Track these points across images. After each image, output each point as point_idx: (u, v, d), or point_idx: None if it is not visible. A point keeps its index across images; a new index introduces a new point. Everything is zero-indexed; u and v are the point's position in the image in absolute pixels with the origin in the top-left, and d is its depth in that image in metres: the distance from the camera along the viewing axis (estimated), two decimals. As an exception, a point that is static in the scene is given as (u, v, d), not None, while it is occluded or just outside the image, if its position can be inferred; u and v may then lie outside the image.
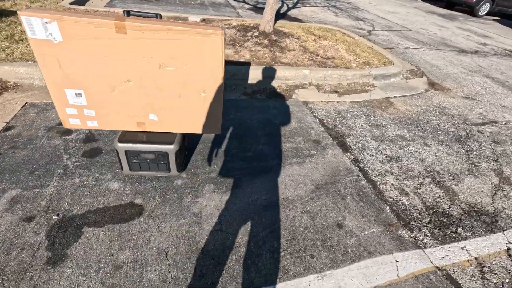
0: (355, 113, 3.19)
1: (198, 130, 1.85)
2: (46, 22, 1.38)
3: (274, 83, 3.53)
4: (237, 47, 4.00)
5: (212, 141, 2.39)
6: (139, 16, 1.59)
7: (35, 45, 1.46)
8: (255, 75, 3.49)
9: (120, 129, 1.80)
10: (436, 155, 2.65)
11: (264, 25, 4.56)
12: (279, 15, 6.86)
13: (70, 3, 4.97)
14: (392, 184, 2.23)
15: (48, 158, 1.99)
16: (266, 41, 4.28)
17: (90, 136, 2.25)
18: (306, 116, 2.96)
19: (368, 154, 2.54)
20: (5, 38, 3.32)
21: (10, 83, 2.76)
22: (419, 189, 2.22)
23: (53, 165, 1.94)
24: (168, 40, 1.51)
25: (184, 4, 6.78)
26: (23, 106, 2.50)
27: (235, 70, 3.44)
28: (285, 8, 7.75)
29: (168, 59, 1.57)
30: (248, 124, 2.69)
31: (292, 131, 2.68)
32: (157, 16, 1.61)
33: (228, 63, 3.57)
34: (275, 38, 4.43)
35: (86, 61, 1.54)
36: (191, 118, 1.81)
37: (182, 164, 2.00)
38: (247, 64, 3.60)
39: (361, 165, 2.38)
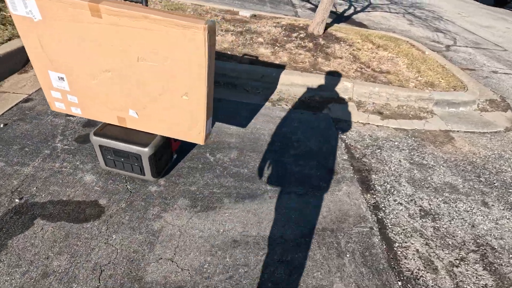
0: (396, 143, 2.59)
1: (179, 136, 1.61)
2: (20, -3, 1.28)
3: (306, 93, 3.10)
4: (276, 47, 3.66)
5: (207, 147, 2.14)
6: None
7: (17, 22, 1.38)
8: (286, 80, 3.12)
9: (102, 120, 1.67)
10: (497, 223, 1.94)
11: (314, 27, 4.10)
12: (341, 18, 6.24)
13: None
14: (417, 250, 1.67)
15: (43, 136, 1.99)
16: (311, 45, 3.84)
17: (91, 121, 2.21)
18: (332, 137, 2.49)
19: (395, 201, 1.98)
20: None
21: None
22: (457, 267, 1.62)
23: (44, 144, 1.93)
24: (145, 30, 1.28)
25: (244, -2, 6.65)
26: (51, 81, 2.62)
27: (265, 72, 3.12)
28: (351, 10, 7.05)
29: (147, 52, 1.35)
30: (257, 134, 2.37)
31: (307, 153, 2.26)
32: (143, 1, 1.40)
33: (260, 63, 3.27)
34: (322, 42, 3.95)
35: (65, 44, 1.41)
36: (172, 121, 1.57)
37: (161, 170, 1.80)
38: (280, 67, 3.25)
39: (381, 214, 1.85)
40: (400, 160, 2.38)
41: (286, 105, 2.87)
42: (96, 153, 1.71)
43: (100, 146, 1.64)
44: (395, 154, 2.45)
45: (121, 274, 1.32)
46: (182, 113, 1.52)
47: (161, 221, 1.58)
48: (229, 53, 3.38)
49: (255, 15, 4.89)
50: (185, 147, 2.09)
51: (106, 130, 1.66)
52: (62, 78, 1.56)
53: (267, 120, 2.58)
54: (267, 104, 2.84)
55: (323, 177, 2.06)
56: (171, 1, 4.79)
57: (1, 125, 2.02)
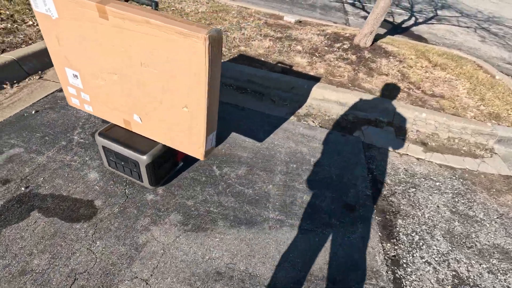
0: (437, 184, 2.18)
1: (180, 147, 1.52)
2: (39, -5, 1.29)
3: (339, 110, 2.81)
4: (314, 57, 3.41)
5: (216, 158, 2.02)
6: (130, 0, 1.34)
7: (39, 18, 1.41)
8: (318, 94, 2.86)
9: (110, 120, 1.65)
10: (563, 315, 1.47)
11: (360, 38, 3.74)
12: (397, 29, 5.68)
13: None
14: (441, 330, 1.33)
15: (64, 127, 2.07)
16: (354, 57, 3.50)
17: (112, 116, 2.25)
18: (358, 165, 2.19)
19: (422, 258, 1.63)
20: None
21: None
22: None
23: (63, 135, 2.00)
24: (147, 35, 1.20)
25: (293, 3, 6.46)
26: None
27: (296, 83, 2.91)
28: (410, 22, 6.39)
29: (149, 58, 1.27)
30: (273, 151, 2.18)
31: (325, 180, 2.01)
32: (152, 4, 1.32)
33: (292, 73, 3.07)
34: (367, 56, 3.58)
35: (78, 43, 1.41)
36: (173, 131, 1.48)
37: (161, 179, 1.72)
38: (314, 80, 3.00)
39: (400, 273, 1.53)
40: (438, 206, 1.99)
41: (313, 121, 2.62)
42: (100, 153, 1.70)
43: (103, 147, 1.63)
44: (433, 197, 2.05)
45: (92, 287, 1.26)
46: (182, 125, 1.42)
47: (147, 234, 1.50)
48: (262, 59, 3.23)
49: (300, 21, 4.67)
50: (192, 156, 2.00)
51: (111, 131, 1.64)
52: (76, 76, 1.57)
53: (288, 136, 2.37)
54: (292, 118, 2.62)
55: (337, 212, 1.80)
56: (217, 2, 4.82)
57: (33, 112, 2.16)
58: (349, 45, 3.79)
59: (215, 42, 1.13)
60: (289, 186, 1.92)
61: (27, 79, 2.52)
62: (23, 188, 1.62)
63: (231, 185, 1.86)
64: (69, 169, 1.77)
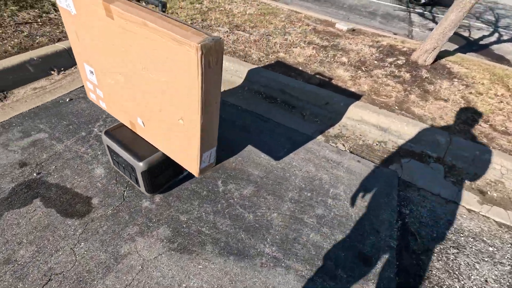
0: (491, 249, 1.71)
1: (177, 159, 1.42)
2: (60, -9, 1.29)
3: (377, 136, 2.44)
4: (359, 71, 3.05)
5: (224, 172, 1.88)
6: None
7: (62, 13, 1.43)
8: (355, 114, 2.53)
9: (119, 120, 1.64)
10: None
11: (419, 54, 3.24)
12: (472, 46, 4.87)
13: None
14: None
15: (89, 117, 2.15)
16: (407, 76, 3.04)
17: (135, 113, 2.27)
18: (387, 207, 1.84)
19: None
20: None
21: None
22: None
23: (85, 126, 2.07)
24: (146, 39, 1.10)
25: (351, 9, 6.02)
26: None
27: (331, 98, 2.61)
28: (492, 38, 5.44)
29: (149, 62, 1.18)
30: (288, 173, 1.95)
31: (340, 219, 1.72)
32: (160, 5, 1.22)
33: (330, 87, 2.77)
34: (425, 75, 3.07)
35: (91, 40, 1.40)
36: (170, 141, 1.39)
37: (159, 187, 1.65)
38: (354, 97, 2.67)
39: None
40: (487, 280, 1.55)
41: (343, 145, 2.31)
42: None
43: (108, 146, 1.61)
44: (482, 266, 1.61)
45: (61, 292, 1.22)
46: (179, 137, 1.31)
47: (131, 245, 1.42)
48: (300, 68, 3.00)
49: (353, 30, 4.28)
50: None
51: (118, 131, 1.61)
52: (92, 72, 1.57)
53: (309, 158, 2.12)
54: (320, 138, 2.35)
55: (347, 262, 1.51)
56: (268, 5, 4.70)
57: (67, 100, 2.29)
58: (404, 60, 3.31)
59: (211, 53, 0.97)
60: (296, 218, 1.68)
61: (73, 68, 2.71)
62: (35, 174, 1.69)
63: (232, 205, 1.70)
64: (80, 161, 1.81)
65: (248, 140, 2.18)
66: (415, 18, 6.12)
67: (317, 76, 2.93)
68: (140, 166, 1.46)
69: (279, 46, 3.35)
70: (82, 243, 1.40)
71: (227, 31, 3.53)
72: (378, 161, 2.21)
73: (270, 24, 3.95)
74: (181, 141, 1.31)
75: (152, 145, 1.53)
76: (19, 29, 2.82)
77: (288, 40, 3.52)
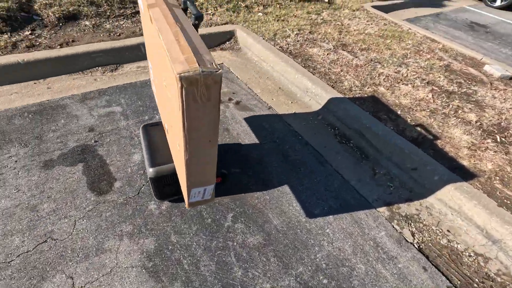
0: None
1: (179, 179, 1.31)
2: (138, -9, 1.36)
3: (476, 244, 1.63)
4: (489, 140, 2.12)
5: (242, 206, 1.65)
6: (185, 8, 1.14)
7: (140, 8, 1.52)
8: (454, 201, 1.77)
9: (162, 119, 1.66)
10: None
11: None
12: None
13: (373, 6, 4.79)
14: None
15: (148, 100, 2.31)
16: None
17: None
18: None
19: None
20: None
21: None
22: None
23: (152, 111, 2.23)
24: (164, 51, 1.00)
25: (524, 48, 4.39)
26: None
27: (425, 165, 1.92)
28: None
29: (165, 75, 1.09)
30: (311, 241, 1.53)
31: None
32: (193, 17, 1.07)
33: (431, 148, 2.04)
34: None
35: (147, 38, 1.43)
36: (177, 159, 1.29)
37: (168, 196, 1.58)
38: (463, 174, 1.87)
39: None
40: None
41: (413, 234, 1.65)
42: (144, 143, 1.75)
43: (140, 140, 1.65)
44: None
45: (43, 259, 1.32)
46: (180, 160, 1.18)
47: (116, 243, 1.42)
48: (399, 112, 2.36)
49: (511, 78, 3.08)
50: (224, 188, 1.73)
51: (154, 128, 1.64)
52: (150, 67, 1.63)
53: (352, 233, 1.61)
54: (382, 211, 1.76)
55: None
56: (397, 26, 3.96)
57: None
58: None
59: (197, 87, 0.77)
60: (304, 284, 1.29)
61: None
62: (93, 141, 1.93)
63: (227, 249, 1.46)
64: (128, 142, 1.96)
65: (288, 179, 1.86)
66: None
67: (418, 128, 2.22)
68: (149, 171, 1.42)
69: (384, 79, 2.74)
70: (85, 220, 1.50)
71: (330, 49, 3.16)
72: (459, 283, 1.46)
73: (388, 49, 3.30)
74: (180, 165, 1.17)
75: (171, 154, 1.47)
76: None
77: (399, 74, 2.84)
